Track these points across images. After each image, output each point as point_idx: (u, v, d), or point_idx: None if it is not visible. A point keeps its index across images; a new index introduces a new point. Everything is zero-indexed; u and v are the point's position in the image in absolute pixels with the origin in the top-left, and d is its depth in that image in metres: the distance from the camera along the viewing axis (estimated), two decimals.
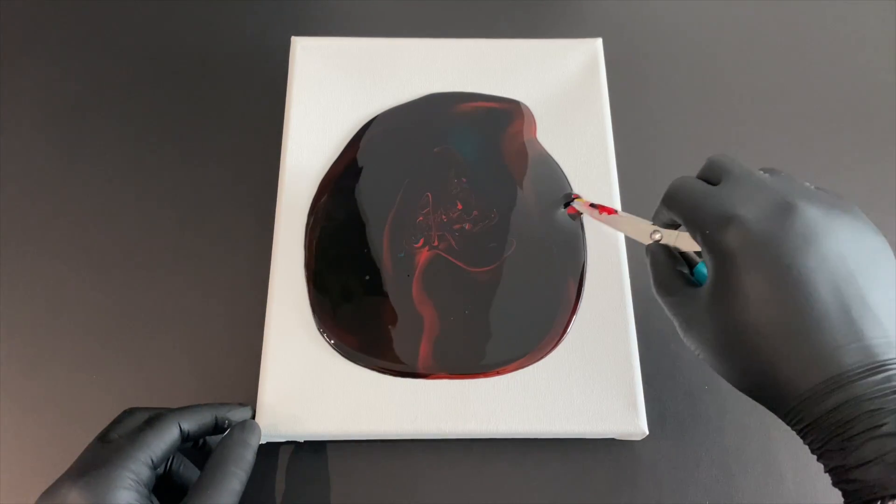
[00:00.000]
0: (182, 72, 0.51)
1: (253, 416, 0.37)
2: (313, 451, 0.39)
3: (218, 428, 0.36)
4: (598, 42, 0.48)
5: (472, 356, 0.39)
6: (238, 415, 0.36)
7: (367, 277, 0.41)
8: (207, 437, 0.37)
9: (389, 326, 0.39)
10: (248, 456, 0.34)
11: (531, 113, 0.46)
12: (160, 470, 0.33)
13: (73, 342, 0.41)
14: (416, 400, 0.38)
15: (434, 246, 0.42)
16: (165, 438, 0.32)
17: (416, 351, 0.39)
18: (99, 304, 0.43)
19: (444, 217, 0.43)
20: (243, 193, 0.46)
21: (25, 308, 0.42)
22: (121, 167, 0.47)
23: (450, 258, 0.41)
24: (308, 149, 0.44)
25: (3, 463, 0.38)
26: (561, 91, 0.46)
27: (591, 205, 0.39)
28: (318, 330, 0.39)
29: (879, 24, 0.55)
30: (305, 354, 0.39)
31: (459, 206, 0.43)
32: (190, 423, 0.34)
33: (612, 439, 0.39)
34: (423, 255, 0.41)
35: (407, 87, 0.47)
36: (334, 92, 0.46)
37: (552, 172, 0.44)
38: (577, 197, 0.42)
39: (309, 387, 0.38)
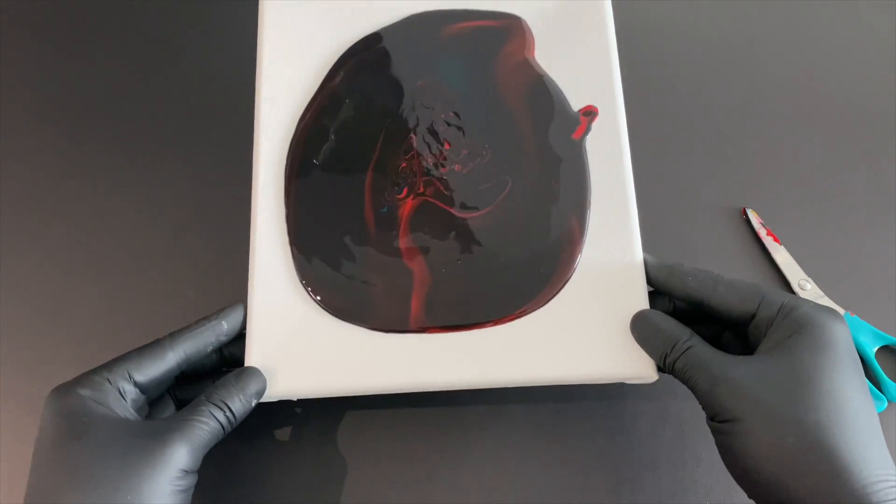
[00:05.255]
0: (182, 71, 0.51)
1: (245, 314, 0.36)
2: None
3: (220, 341, 0.35)
4: None
5: (467, 309, 0.36)
6: (230, 318, 0.35)
7: (349, 237, 0.37)
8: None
9: (377, 285, 0.36)
10: (238, 399, 0.33)
11: (529, 28, 0.41)
12: (149, 395, 0.33)
13: (73, 342, 0.41)
14: (411, 353, 0.35)
15: (420, 193, 0.38)
16: (148, 354, 0.32)
17: (406, 308, 0.36)
18: (99, 304, 0.43)
19: (430, 160, 0.38)
20: (237, 189, 0.46)
21: (25, 308, 0.42)
22: (120, 167, 0.47)
23: (438, 203, 0.38)
24: (284, 88, 0.40)
25: (3, 463, 0.38)
26: (559, 6, 0.41)
27: (763, 224, 0.45)
28: (304, 287, 0.37)
29: (882, 23, 0.55)
30: (292, 311, 0.36)
31: (447, 146, 0.39)
32: (185, 345, 0.33)
33: (613, 432, 0.38)
34: (408, 205, 0.38)
35: (389, 13, 0.41)
36: (308, 20, 0.41)
37: (552, 95, 0.39)
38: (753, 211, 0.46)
39: (297, 344, 0.36)
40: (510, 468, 0.38)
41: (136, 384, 0.32)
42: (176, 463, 0.29)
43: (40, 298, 0.43)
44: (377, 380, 0.35)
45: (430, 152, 0.39)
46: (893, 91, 0.52)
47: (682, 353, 0.31)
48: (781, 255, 0.45)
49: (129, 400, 0.31)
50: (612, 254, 0.36)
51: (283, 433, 0.39)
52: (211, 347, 0.35)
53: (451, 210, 0.38)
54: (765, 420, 0.28)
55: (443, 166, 0.38)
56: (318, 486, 0.38)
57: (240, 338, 0.36)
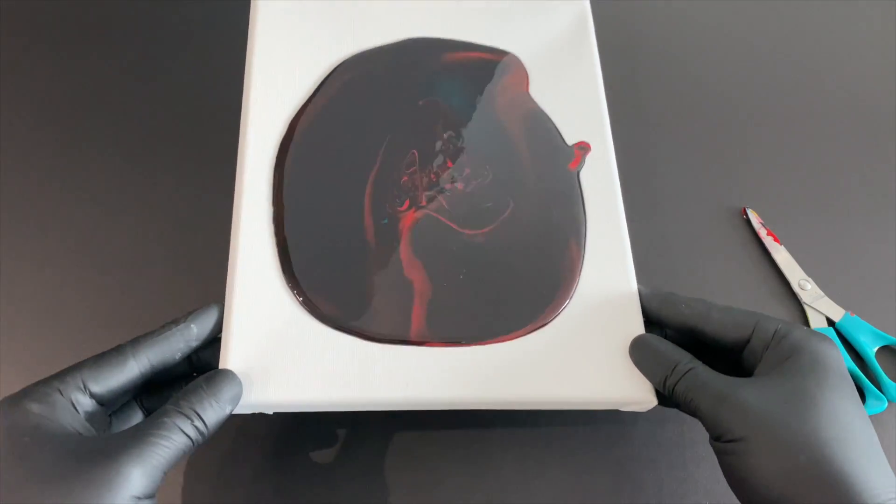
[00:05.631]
0: (179, 69, 0.51)
1: (219, 317, 0.33)
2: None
3: (193, 345, 0.32)
4: (585, 4, 0.46)
5: (469, 323, 0.35)
6: (201, 322, 0.32)
7: (346, 244, 0.36)
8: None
9: (376, 295, 0.35)
10: (210, 406, 0.29)
11: (523, 66, 0.43)
12: (109, 406, 0.30)
13: (73, 342, 0.41)
14: (407, 366, 0.34)
15: (421, 206, 0.38)
16: (107, 363, 0.29)
17: (407, 319, 0.35)
18: (99, 304, 0.43)
19: (432, 176, 0.39)
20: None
21: (25, 308, 0.42)
22: (117, 168, 0.47)
23: (440, 218, 0.37)
24: (274, 96, 0.39)
25: None
26: (550, 47, 0.44)
27: (763, 224, 0.45)
28: (295, 296, 0.35)
29: (882, 24, 0.55)
30: (276, 314, 0.34)
31: (449, 164, 0.39)
32: (149, 352, 0.30)
33: (613, 432, 0.38)
34: (410, 217, 0.37)
35: (384, 33, 0.42)
36: (302, 33, 0.41)
37: (546, 128, 0.41)
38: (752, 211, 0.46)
39: (280, 350, 0.33)
40: (511, 469, 0.38)
41: (91, 395, 0.29)
42: (127, 489, 0.25)
43: (40, 298, 0.43)
44: (371, 393, 0.33)
45: (433, 168, 0.39)
46: (893, 91, 0.52)
47: (683, 376, 0.31)
48: (781, 255, 0.45)
49: (82, 412, 0.28)
50: (608, 281, 0.37)
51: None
52: (180, 354, 0.31)
53: (454, 226, 0.38)
54: (773, 439, 0.28)
55: (446, 183, 0.39)
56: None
57: (214, 343, 0.33)
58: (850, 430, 0.28)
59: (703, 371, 0.31)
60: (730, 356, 0.34)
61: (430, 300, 0.36)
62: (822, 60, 0.53)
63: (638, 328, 0.35)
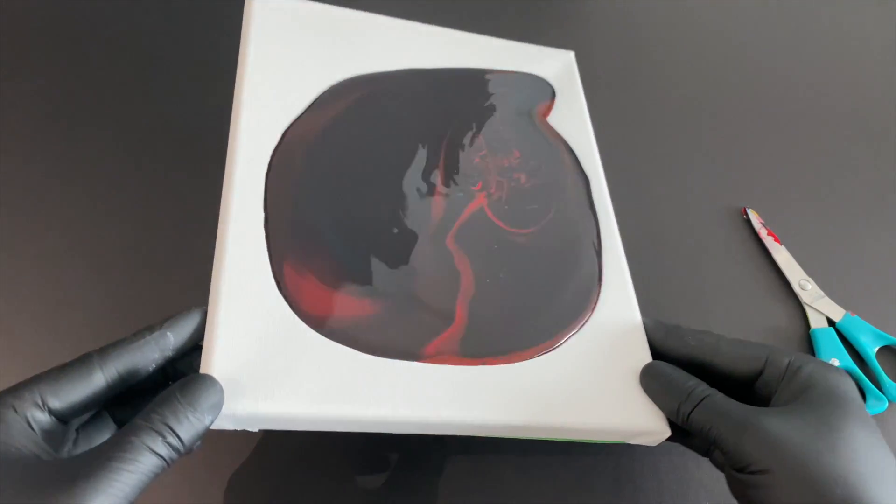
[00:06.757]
0: (178, 72, 0.51)
1: (201, 324, 0.29)
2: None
3: (170, 352, 0.28)
4: (571, 54, 0.48)
5: (502, 334, 0.34)
6: (179, 328, 0.29)
7: (396, 230, 0.34)
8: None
9: (426, 281, 0.33)
10: (187, 418, 0.25)
11: (554, 93, 0.45)
12: (73, 421, 0.27)
13: (73, 342, 0.41)
14: (412, 381, 0.31)
15: (490, 193, 0.38)
16: (69, 375, 0.26)
17: (451, 312, 0.33)
18: (98, 304, 0.42)
19: (504, 161, 0.39)
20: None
21: (25, 308, 0.42)
22: (116, 166, 0.47)
23: (489, 214, 0.37)
24: (267, 106, 0.37)
25: None
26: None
27: (763, 224, 0.45)
28: (297, 315, 0.31)
29: (882, 24, 0.55)
30: (272, 318, 0.30)
31: (517, 154, 0.40)
32: (118, 363, 0.27)
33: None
34: (477, 202, 0.37)
35: (381, 64, 0.41)
36: (296, 56, 0.39)
37: (572, 151, 0.43)
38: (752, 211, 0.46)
39: (275, 356, 0.29)
40: (511, 469, 0.38)
41: (51, 412, 0.25)
42: None
43: (39, 298, 0.43)
44: (372, 410, 0.29)
45: (502, 155, 0.40)
46: (893, 92, 0.52)
47: (700, 403, 0.30)
48: (781, 255, 0.45)
49: (39, 431, 0.25)
50: (614, 311, 0.37)
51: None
52: (154, 365, 0.28)
53: (500, 224, 0.38)
54: (804, 471, 0.27)
55: (515, 171, 0.39)
56: None
57: (194, 352, 0.29)
58: (880, 465, 0.27)
59: (721, 398, 0.30)
60: (737, 389, 0.33)
61: (472, 295, 0.34)
62: (822, 61, 0.53)
63: (646, 357, 0.35)
